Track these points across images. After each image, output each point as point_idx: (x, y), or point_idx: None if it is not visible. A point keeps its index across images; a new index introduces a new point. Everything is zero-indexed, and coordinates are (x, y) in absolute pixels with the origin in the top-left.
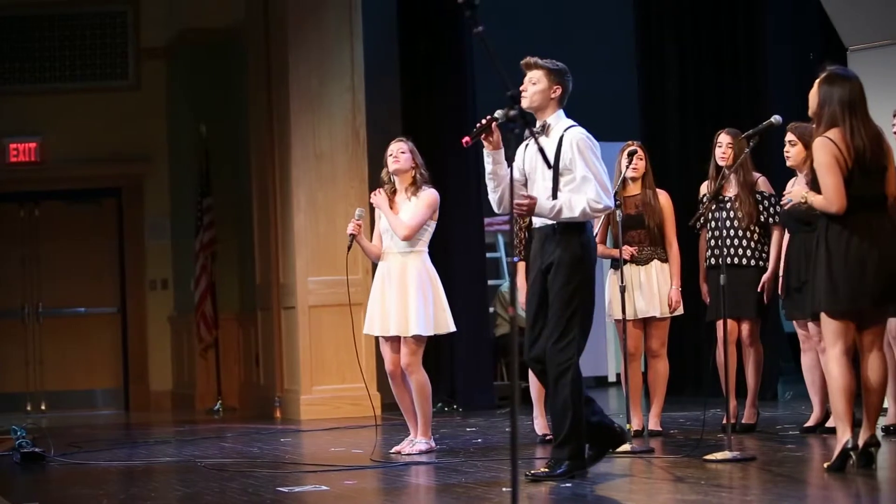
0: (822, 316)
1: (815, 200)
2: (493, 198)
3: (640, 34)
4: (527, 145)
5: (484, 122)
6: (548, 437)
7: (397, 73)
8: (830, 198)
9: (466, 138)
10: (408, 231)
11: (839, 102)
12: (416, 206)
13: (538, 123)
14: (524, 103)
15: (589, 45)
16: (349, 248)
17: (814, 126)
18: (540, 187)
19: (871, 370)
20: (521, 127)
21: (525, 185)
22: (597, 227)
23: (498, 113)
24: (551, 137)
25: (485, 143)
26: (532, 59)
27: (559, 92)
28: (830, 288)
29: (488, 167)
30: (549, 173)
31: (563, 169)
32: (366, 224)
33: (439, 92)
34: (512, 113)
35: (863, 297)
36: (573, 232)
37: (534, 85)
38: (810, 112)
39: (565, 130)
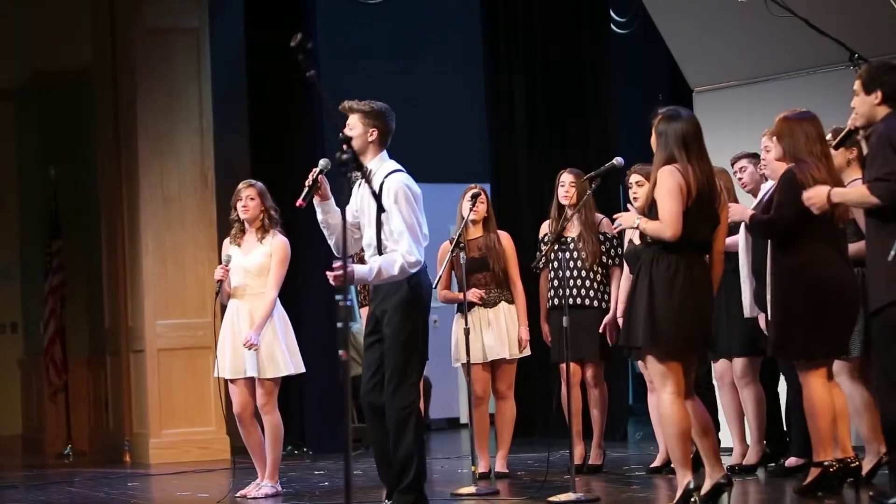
0: (647, 356)
1: (649, 226)
2: (331, 243)
3: (489, 76)
4: (359, 185)
5: (310, 179)
6: None
7: (246, 115)
8: (667, 222)
9: (300, 202)
10: (275, 293)
11: (675, 142)
12: (273, 267)
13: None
14: None
15: (440, 87)
16: (217, 293)
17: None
18: (368, 233)
19: (695, 413)
20: (354, 170)
21: (359, 227)
22: (440, 271)
23: (321, 163)
24: (374, 183)
25: (315, 197)
26: (348, 102)
27: (376, 134)
28: (650, 326)
29: (319, 216)
30: (375, 219)
31: (384, 217)
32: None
33: (288, 133)
34: (344, 157)
35: (679, 339)
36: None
37: (350, 130)
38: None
39: (386, 177)
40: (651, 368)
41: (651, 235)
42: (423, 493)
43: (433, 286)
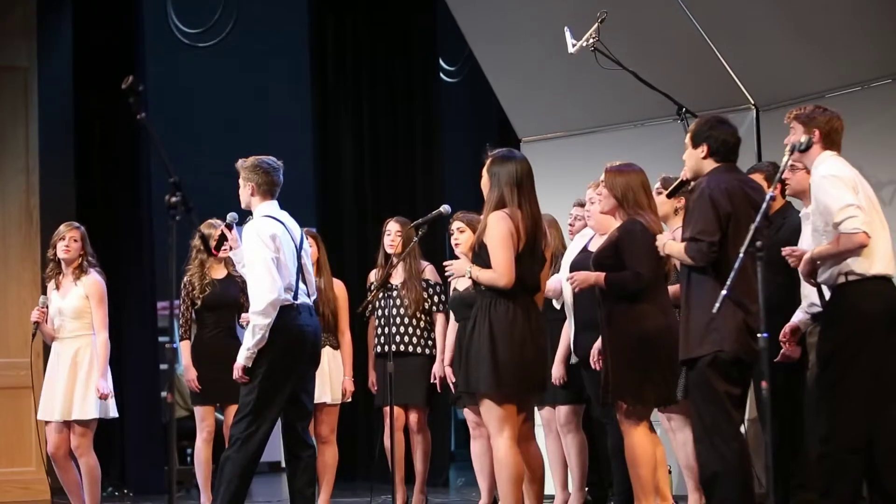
0: (486, 400)
1: (482, 275)
2: None
3: (316, 120)
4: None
5: (218, 231)
6: None
7: (72, 156)
8: (501, 271)
9: (216, 252)
10: (105, 333)
11: (507, 183)
12: (94, 310)
13: None
14: (242, 205)
15: (269, 129)
16: (34, 334)
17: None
18: None
19: (532, 457)
20: (182, 214)
21: None
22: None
23: (229, 217)
24: (245, 229)
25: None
26: (238, 162)
27: (252, 187)
28: (494, 371)
29: (237, 266)
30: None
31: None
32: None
33: (114, 175)
34: (173, 200)
35: (522, 382)
36: None
37: (240, 188)
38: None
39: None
40: (488, 414)
41: (485, 284)
42: None
43: None
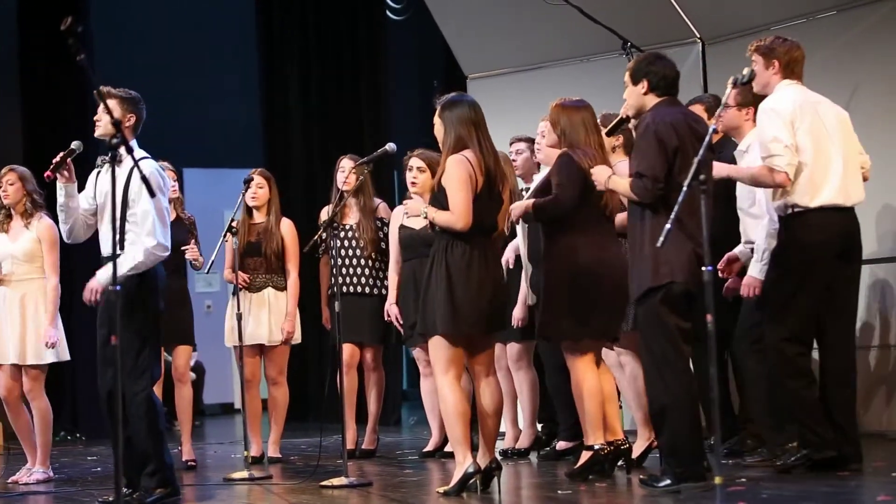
0: (436, 340)
1: (439, 217)
2: (64, 229)
3: (263, 61)
4: (98, 174)
5: (61, 155)
6: (190, 463)
7: (19, 96)
8: (459, 213)
9: (48, 173)
10: (56, 278)
11: (462, 125)
12: (46, 254)
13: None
14: (97, 132)
15: (216, 71)
16: None
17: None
18: (107, 219)
19: (487, 395)
20: (120, 154)
21: (94, 214)
22: (213, 255)
23: (74, 144)
24: (123, 167)
25: (58, 177)
26: (105, 88)
27: (132, 121)
28: (450, 312)
29: (60, 199)
30: (119, 205)
31: (130, 201)
32: None
33: (62, 113)
34: (114, 141)
35: (479, 322)
36: None
37: (107, 114)
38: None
39: (138, 161)
40: (436, 353)
41: (441, 226)
42: (170, 477)
43: (206, 269)
